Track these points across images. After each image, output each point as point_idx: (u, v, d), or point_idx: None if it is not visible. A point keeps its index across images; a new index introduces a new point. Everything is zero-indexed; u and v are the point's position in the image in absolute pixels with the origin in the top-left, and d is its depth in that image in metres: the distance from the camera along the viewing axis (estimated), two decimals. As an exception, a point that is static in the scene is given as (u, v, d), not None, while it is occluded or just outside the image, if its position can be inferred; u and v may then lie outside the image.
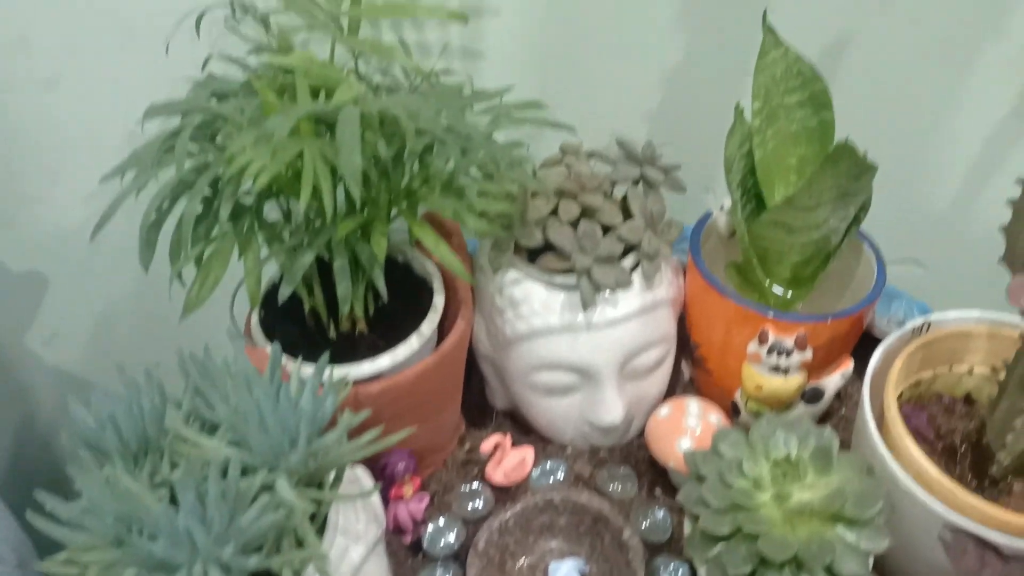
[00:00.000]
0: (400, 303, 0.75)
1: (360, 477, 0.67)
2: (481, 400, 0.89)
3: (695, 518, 0.64)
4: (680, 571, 0.73)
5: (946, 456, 0.72)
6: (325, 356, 0.59)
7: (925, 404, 0.75)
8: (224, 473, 0.49)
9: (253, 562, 0.48)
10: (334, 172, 0.55)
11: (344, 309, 0.65)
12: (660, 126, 0.91)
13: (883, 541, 0.60)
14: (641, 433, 0.83)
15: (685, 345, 0.86)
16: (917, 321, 0.73)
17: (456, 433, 0.85)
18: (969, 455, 0.71)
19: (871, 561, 0.62)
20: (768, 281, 0.79)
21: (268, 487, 0.52)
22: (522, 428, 0.86)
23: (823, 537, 0.60)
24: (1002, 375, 0.66)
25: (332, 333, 0.73)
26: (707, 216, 0.83)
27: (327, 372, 0.59)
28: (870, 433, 0.66)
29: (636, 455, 0.83)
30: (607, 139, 0.82)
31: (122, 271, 0.79)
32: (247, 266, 0.63)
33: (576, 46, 0.86)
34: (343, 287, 0.64)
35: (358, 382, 0.69)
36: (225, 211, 0.57)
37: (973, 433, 0.71)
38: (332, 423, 0.58)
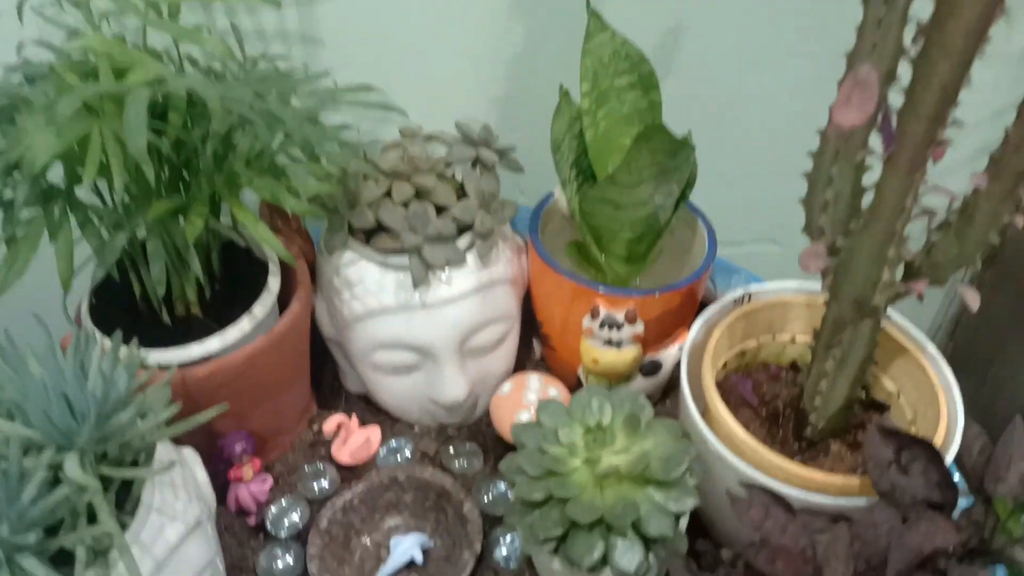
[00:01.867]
0: (240, 288, 0.76)
1: (187, 458, 0.68)
2: (335, 383, 0.89)
3: (514, 486, 0.66)
4: (516, 542, 0.75)
5: (770, 421, 0.74)
6: (118, 334, 0.58)
7: (751, 372, 0.78)
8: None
9: (32, 539, 0.49)
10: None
11: (159, 291, 0.65)
12: (503, 109, 0.92)
13: (689, 501, 0.62)
14: (487, 411, 0.84)
15: (534, 322, 0.88)
16: (737, 292, 0.76)
17: (305, 415, 0.85)
18: (791, 419, 0.74)
19: (684, 521, 0.64)
20: (604, 258, 0.81)
21: (59, 466, 0.52)
22: (374, 409, 0.87)
23: (628, 499, 0.61)
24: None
25: (166, 318, 0.73)
26: (548, 197, 0.85)
27: (123, 351, 0.59)
28: (684, 398, 0.68)
29: (484, 432, 0.84)
30: (452, 124, 0.83)
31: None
32: (58, 249, 0.62)
33: (414, 32, 0.87)
34: (156, 269, 0.64)
35: (186, 365, 0.69)
36: (22, 194, 0.57)
37: (795, 398, 0.74)
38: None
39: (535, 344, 0.91)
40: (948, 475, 0.53)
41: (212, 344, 0.70)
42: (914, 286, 0.59)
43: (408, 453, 0.82)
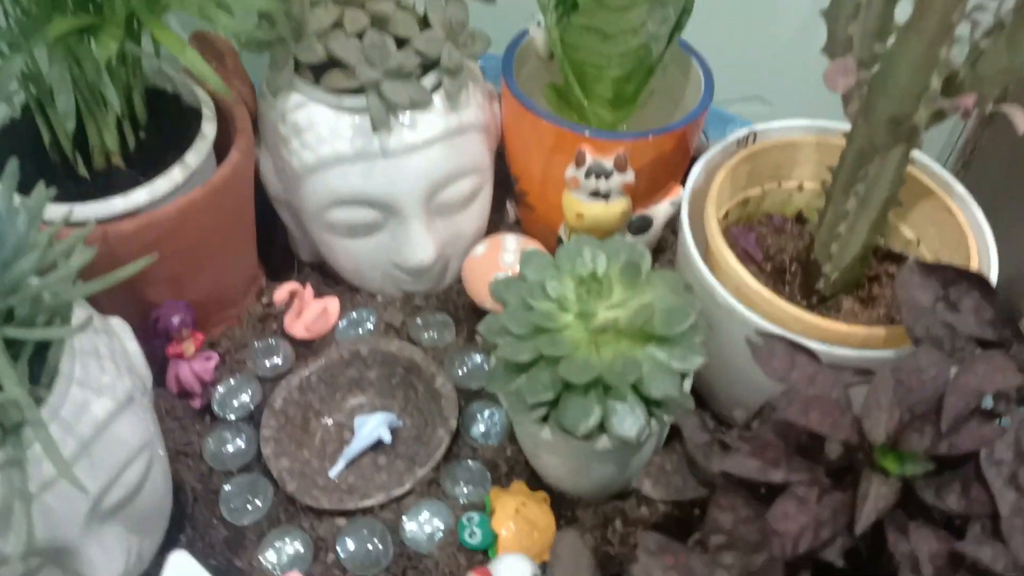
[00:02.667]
0: (169, 137, 0.65)
1: (114, 327, 0.58)
2: (285, 252, 0.80)
3: (496, 349, 0.57)
4: (496, 416, 0.67)
5: (775, 277, 0.67)
6: (12, 170, 0.47)
7: (754, 225, 0.70)
8: None
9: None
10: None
11: (69, 128, 0.55)
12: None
13: (696, 359, 0.55)
14: (460, 278, 0.76)
15: (507, 183, 0.79)
16: (741, 132, 0.67)
17: (253, 286, 0.76)
18: (799, 275, 0.66)
19: (688, 383, 0.57)
20: (587, 102, 0.72)
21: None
22: (332, 279, 0.78)
23: (629, 356, 0.54)
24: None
25: (82, 171, 0.63)
26: (523, 34, 0.75)
27: (14, 198, 0.48)
28: (687, 248, 0.60)
29: (455, 301, 0.76)
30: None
31: None
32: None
33: None
34: (64, 102, 0.54)
35: (108, 221, 0.59)
36: None
37: (803, 251, 0.67)
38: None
39: (508, 207, 0.82)
40: (1005, 310, 0.46)
41: (139, 196, 0.60)
42: (960, 101, 0.50)
43: (371, 325, 0.73)
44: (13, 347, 0.48)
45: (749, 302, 0.58)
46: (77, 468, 0.51)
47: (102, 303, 0.58)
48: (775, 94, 0.89)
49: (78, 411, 0.51)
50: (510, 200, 0.81)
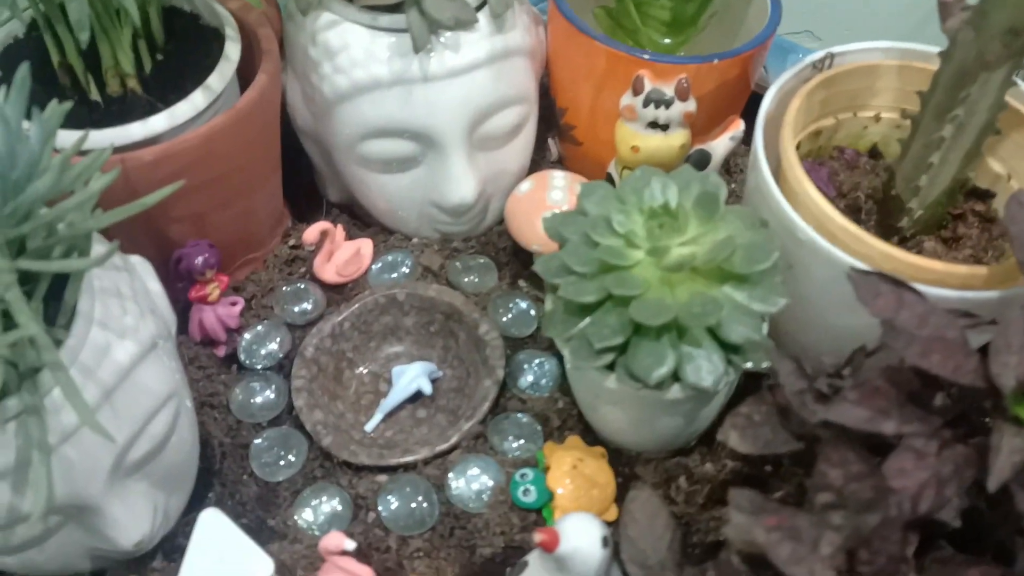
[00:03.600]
0: (189, 61, 0.60)
1: (136, 266, 0.53)
2: (312, 193, 0.74)
3: (554, 291, 0.52)
4: (546, 365, 0.62)
5: (849, 216, 0.61)
6: (24, 77, 0.42)
7: (825, 160, 0.64)
8: None
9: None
10: None
11: (82, 38, 0.49)
12: None
13: (779, 300, 0.50)
14: (501, 220, 0.70)
15: (551, 119, 0.73)
16: (817, 54, 0.61)
17: (279, 227, 0.70)
18: (875, 213, 0.61)
19: (766, 327, 0.51)
20: (643, 26, 0.66)
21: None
22: (362, 222, 0.73)
23: (707, 295, 0.48)
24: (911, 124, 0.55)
25: (95, 95, 0.57)
26: (570, -49, 0.69)
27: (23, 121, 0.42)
28: (764, 179, 0.54)
29: (496, 244, 0.70)
30: None
31: None
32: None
33: None
34: (75, 8, 0.48)
35: (125, 149, 0.54)
36: None
37: (880, 188, 0.61)
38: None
39: (551, 144, 0.76)
40: None
41: (158, 122, 0.55)
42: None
43: (407, 269, 0.68)
44: (26, 284, 0.43)
45: (832, 239, 0.52)
46: (99, 418, 0.46)
47: (120, 244, 0.53)
48: (847, 15, 0.83)
49: (99, 355, 0.46)
50: (552, 137, 0.76)
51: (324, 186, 0.73)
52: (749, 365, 0.50)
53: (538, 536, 0.45)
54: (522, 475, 0.56)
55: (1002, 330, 0.39)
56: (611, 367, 0.51)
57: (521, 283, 0.68)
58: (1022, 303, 0.39)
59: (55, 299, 0.46)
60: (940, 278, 0.51)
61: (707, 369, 0.49)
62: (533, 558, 0.49)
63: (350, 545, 0.52)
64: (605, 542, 0.46)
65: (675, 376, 0.50)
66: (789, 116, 0.57)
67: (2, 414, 0.43)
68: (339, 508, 0.57)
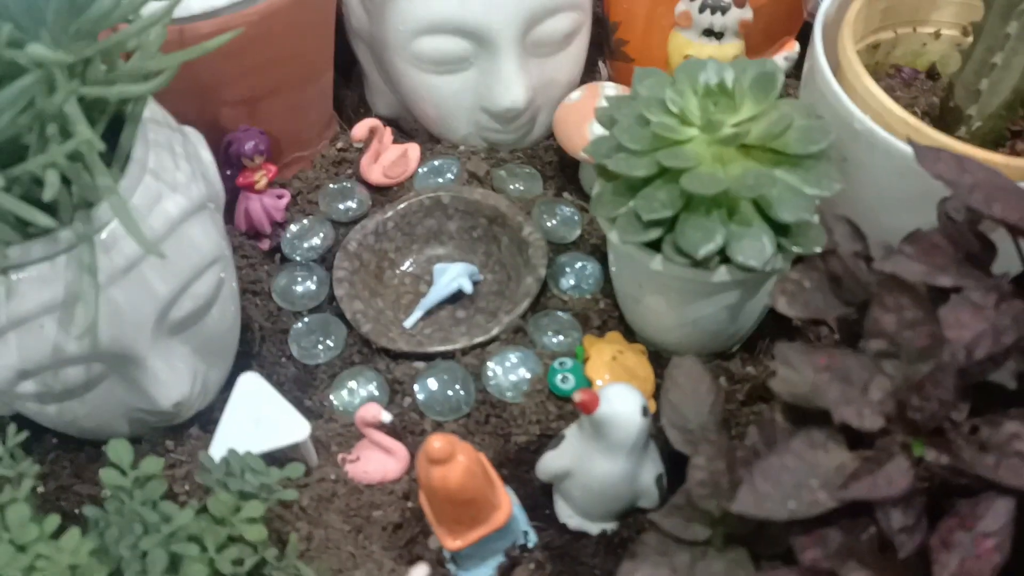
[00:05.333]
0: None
1: (189, 135, 0.53)
2: (360, 104, 0.75)
3: (604, 173, 0.52)
4: (588, 268, 0.62)
5: (904, 130, 0.60)
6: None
7: (882, 77, 0.63)
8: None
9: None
10: None
11: None
12: None
13: (833, 184, 0.49)
14: (548, 135, 0.70)
15: (603, 40, 0.73)
16: (879, -41, 0.60)
17: (327, 131, 0.71)
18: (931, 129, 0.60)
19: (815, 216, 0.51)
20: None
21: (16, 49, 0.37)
22: (408, 136, 0.72)
23: (760, 170, 0.48)
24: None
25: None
26: None
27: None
28: (820, 65, 0.54)
29: (542, 158, 0.70)
30: None
31: None
32: None
33: None
34: None
35: (183, 20, 0.54)
36: None
37: (936, 106, 0.60)
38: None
39: (600, 66, 0.76)
40: None
41: (217, -4, 0.55)
42: None
43: (452, 175, 0.68)
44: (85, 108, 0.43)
45: (890, 130, 0.51)
46: (146, 266, 0.47)
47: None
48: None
49: (151, 202, 0.47)
50: (602, 59, 0.75)
51: (373, 98, 0.73)
52: (799, 250, 0.49)
53: (578, 396, 0.44)
54: (560, 363, 0.56)
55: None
56: (657, 248, 0.50)
57: (566, 195, 0.68)
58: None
59: (110, 144, 0.46)
60: (1001, 171, 0.49)
61: (757, 249, 0.48)
62: (571, 431, 0.49)
63: (387, 417, 0.51)
64: (645, 411, 0.46)
65: (723, 260, 0.49)
66: (850, 15, 0.57)
67: (54, 245, 0.44)
68: (376, 392, 0.56)
